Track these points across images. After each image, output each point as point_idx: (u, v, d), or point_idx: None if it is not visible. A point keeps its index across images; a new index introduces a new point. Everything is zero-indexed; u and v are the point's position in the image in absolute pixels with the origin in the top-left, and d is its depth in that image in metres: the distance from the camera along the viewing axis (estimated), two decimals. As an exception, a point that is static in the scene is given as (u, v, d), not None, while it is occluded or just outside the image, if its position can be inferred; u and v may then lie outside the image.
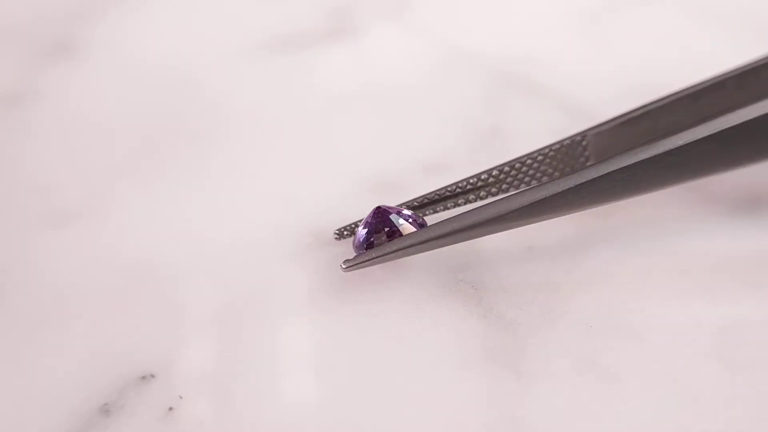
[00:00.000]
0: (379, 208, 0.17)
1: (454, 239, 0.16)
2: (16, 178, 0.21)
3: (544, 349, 0.16)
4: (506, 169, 0.18)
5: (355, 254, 0.17)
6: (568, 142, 0.18)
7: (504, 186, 0.18)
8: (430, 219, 0.18)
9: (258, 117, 0.22)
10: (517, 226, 0.16)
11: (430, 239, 0.16)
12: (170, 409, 0.15)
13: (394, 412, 0.15)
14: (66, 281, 0.18)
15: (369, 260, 0.16)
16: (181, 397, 0.16)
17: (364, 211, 0.17)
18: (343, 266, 0.16)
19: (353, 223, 0.18)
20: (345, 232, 0.18)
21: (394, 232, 0.17)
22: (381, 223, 0.17)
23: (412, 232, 0.17)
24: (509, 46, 0.24)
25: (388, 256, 0.16)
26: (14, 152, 0.21)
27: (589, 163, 0.18)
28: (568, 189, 0.16)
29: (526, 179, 0.18)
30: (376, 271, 0.17)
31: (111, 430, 0.15)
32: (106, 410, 0.15)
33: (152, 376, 0.16)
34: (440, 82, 0.23)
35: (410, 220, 0.17)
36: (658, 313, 0.16)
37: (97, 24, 0.26)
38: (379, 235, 0.17)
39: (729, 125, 0.16)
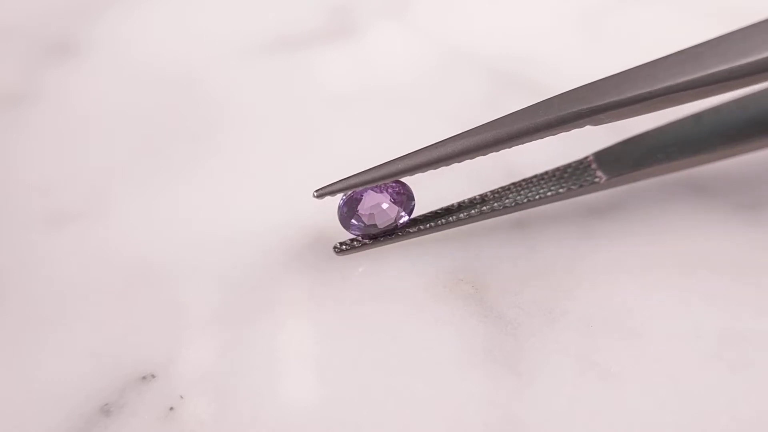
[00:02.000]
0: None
1: (426, 167, 0.16)
2: (16, 178, 0.21)
3: (544, 349, 0.16)
4: (510, 187, 0.18)
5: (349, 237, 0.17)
6: (575, 164, 0.18)
7: (507, 201, 0.18)
8: (431, 236, 0.18)
9: (258, 117, 0.22)
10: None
11: (405, 168, 0.16)
12: (171, 409, 0.15)
13: (394, 411, 0.15)
14: (66, 281, 0.18)
15: (339, 182, 0.16)
16: (181, 397, 0.16)
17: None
18: (315, 194, 0.16)
19: (353, 239, 0.18)
20: (345, 247, 0.18)
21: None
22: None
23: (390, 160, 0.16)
24: (509, 46, 0.24)
25: (361, 180, 0.16)
26: (14, 152, 0.21)
27: (597, 178, 0.18)
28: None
29: (531, 195, 0.18)
30: (376, 270, 0.17)
31: (111, 430, 0.15)
32: (106, 410, 0.15)
33: (153, 376, 0.16)
34: (440, 82, 0.23)
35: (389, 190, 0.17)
36: (658, 313, 0.16)
37: (97, 24, 0.26)
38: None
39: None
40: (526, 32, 0.24)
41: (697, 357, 0.16)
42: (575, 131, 0.16)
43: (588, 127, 0.16)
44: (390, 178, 0.16)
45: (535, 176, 0.18)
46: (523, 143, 0.16)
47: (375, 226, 0.17)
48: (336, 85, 0.23)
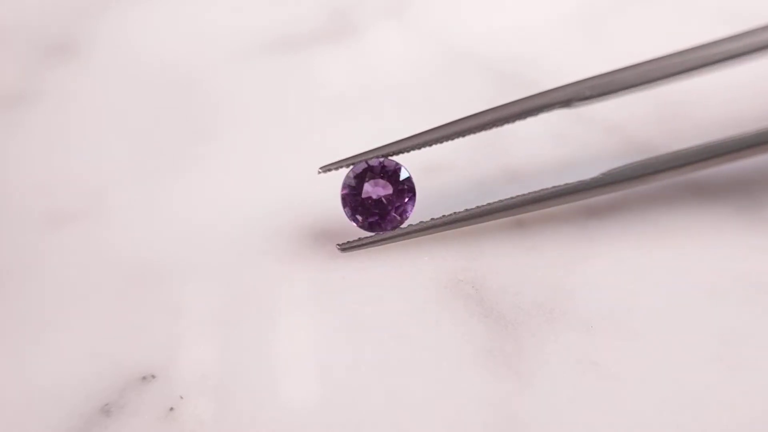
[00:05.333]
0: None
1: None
2: (16, 178, 0.21)
3: (544, 349, 0.16)
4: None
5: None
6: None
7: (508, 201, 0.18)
8: (431, 236, 0.18)
9: (258, 117, 0.22)
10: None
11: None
12: (171, 409, 0.15)
13: (394, 411, 0.15)
14: (66, 281, 0.18)
15: (339, 161, 0.17)
16: (181, 398, 0.16)
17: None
18: (320, 170, 0.17)
19: (358, 239, 0.18)
20: (347, 245, 0.18)
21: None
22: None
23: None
24: (510, 46, 0.24)
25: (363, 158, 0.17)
26: (14, 152, 0.21)
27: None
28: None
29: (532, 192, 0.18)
30: (376, 270, 0.17)
31: (112, 430, 0.15)
32: (106, 410, 0.15)
33: (153, 376, 0.16)
34: (440, 82, 0.23)
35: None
36: (658, 313, 0.16)
37: (97, 24, 0.26)
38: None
39: None
40: (527, 33, 0.24)
41: (697, 357, 0.16)
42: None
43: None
44: (390, 154, 0.17)
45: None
46: (512, 121, 0.17)
47: (376, 214, 0.17)
48: (336, 85, 0.23)
